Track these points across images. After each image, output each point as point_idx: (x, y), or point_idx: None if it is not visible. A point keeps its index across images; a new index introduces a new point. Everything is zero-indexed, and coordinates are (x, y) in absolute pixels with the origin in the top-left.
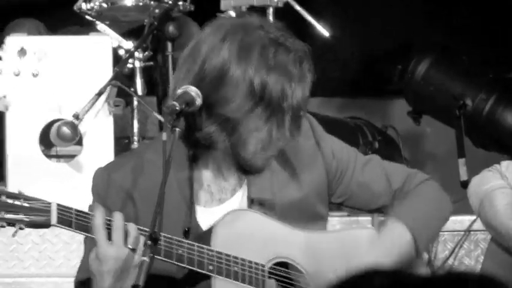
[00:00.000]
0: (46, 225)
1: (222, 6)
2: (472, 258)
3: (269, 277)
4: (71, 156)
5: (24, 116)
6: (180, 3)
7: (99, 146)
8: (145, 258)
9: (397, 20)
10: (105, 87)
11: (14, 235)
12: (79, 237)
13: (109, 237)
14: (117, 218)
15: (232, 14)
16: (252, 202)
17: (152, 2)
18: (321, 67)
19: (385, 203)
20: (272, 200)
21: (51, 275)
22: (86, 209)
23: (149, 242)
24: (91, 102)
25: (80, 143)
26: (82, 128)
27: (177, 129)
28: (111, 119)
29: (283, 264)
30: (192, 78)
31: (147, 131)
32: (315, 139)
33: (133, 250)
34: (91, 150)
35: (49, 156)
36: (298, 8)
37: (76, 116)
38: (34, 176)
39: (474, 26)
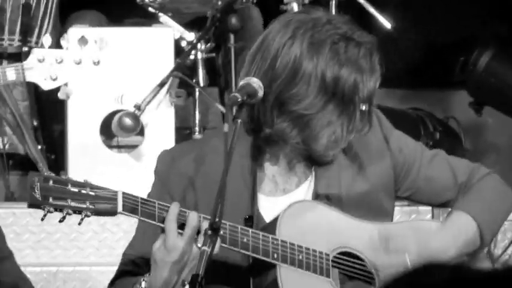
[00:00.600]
0: (112, 212)
1: None
2: None
3: (333, 266)
4: (132, 147)
5: (86, 105)
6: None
7: (160, 136)
8: (206, 248)
9: (459, 12)
10: (167, 78)
11: (80, 223)
12: None
13: (179, 228)
14: (193, 215)
15: (295, 5)
16: (318, 197)
17: None
18: (383, 58)
19: (451, 197)
20: (339, 195)
21: (111, 264)
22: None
23: (209, 232)
24: (153, 93)
25: (141, 133)
26: (144, 118)
27: (239, 120)
28: (172, 110)
29: (348, 254)
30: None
31: (209, 122)
32: (383, 133)
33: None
34: (152, 140)
35: (110, 147)
36: (361, 0)
37: (138, 107)
38: (95, 165)
39: None
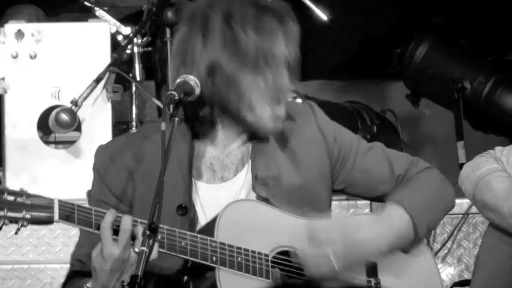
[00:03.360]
0: (49, 221)
1: None
2: (470, 241)
3: (272, 266)
4: (69, 143)
5: (23, 101)
6: None
7: (97, 132)
8: (145, 249)
9: (396, 2)
10: (103, 73)
11: (16, 233)
12: None
13: (115, 235)
14: (126, 220)
15: None
16: (256, 179)
17: None
18: (319, 50)
19: (387, 190)
20: (278, 179)
21: (50, 262)
22: (84, 193)
23: (148, 232)
24: (89, 89)
25: (78, 129)
26: (80, 114)
27: (176, 118)
28: (109, 105)
29: (287, 253)
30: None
31: (145, 116)
32: (317, 124)
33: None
34: (89, 136)
35: (47, 143)
36: None
37: (74, 103)
38: (33, 161)
39: (474, 7)
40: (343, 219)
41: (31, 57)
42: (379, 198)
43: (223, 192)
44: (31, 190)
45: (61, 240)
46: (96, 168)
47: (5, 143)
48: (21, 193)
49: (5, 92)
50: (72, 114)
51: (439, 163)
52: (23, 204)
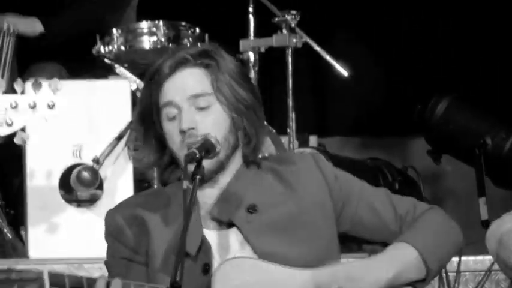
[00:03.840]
0: None
1: (241, 47)
2: None
3: None
4: (91, 201)
5: (44, 160)
6: (199, 45)
7: (119, 190)
8: None
9: (416, 58)
10: (124, 131)
11: None
12: None
13: None
14: (116, 283)
15: (251, 54)
16: (248, 210)
17: (170, 45)
18: (340, 106)
19: (392, 232)
20: (270, 205)
21: None
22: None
23: None
24: (111, 147)
25: (100, 187)
26: (102, 172)
27: (198, 176)
28: (130, 163)
29: None
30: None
31: None
32: (316, 165)
33: None
34: (111, 194)
35: (69, 201)
36: (317, 48)
37: (96, 161)
38: (55, 220)
39: (492, 62)
40: (348, 267)
41: (49, 106)
42: (383, 242)
43: (228, 239)
44: (55, 251)
45: None
46: (108, 233)
47: (27, 203)
48: (9, 270)
49: (25, 142)
50: (94, 172)
51: (461, 220)
52: (13, 281)
